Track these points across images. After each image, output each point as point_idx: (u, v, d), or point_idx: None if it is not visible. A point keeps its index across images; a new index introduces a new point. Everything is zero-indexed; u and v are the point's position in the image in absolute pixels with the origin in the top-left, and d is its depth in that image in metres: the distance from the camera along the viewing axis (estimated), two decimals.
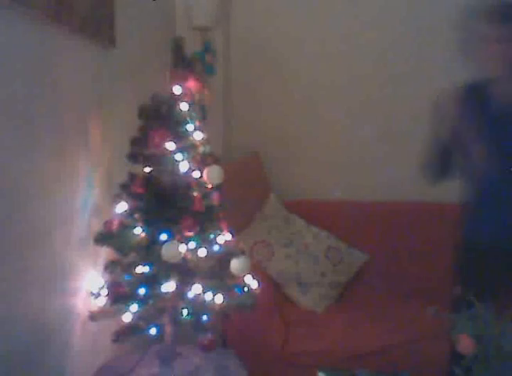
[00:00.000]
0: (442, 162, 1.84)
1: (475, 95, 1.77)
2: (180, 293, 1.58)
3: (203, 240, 1.62)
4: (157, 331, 1.63)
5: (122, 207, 1.62)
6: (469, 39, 1.67)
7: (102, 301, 1.59)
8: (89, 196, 1.67)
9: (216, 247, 1.66)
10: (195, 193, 1.62)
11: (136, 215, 1.60)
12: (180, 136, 1.62)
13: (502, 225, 1.75)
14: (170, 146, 1.58)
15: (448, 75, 2.75)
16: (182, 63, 1.67)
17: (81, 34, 1.60)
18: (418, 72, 2.80)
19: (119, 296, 1.56)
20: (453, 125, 1.75)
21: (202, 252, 1.61)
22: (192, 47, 2.35)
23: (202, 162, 1.65)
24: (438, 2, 2.77)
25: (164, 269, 1.56)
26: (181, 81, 1.65)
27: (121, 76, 1.95)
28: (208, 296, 1.59)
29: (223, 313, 1.68)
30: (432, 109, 1.79)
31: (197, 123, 1.67)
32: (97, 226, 1.64)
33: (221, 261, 1.66)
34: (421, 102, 2.79)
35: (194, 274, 1.61)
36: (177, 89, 1.64)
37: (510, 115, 1.71)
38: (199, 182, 1.64)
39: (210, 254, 1.63)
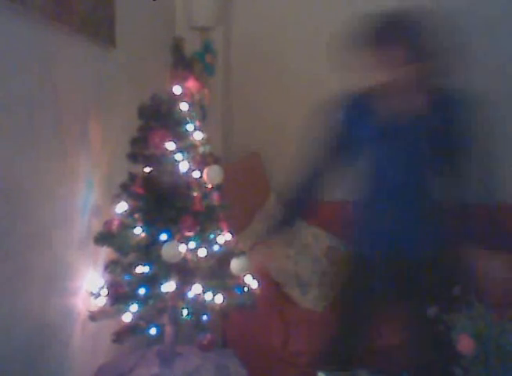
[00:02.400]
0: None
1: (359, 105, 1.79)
2: (180, 293, 1.58)
3: (203, 240, 1.62)
4: (157, 331, 1.63)
5: (122, 207, 1.61)
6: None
7: (102, 301, 1.59)
8: (89, 196, 1.67)
9: (216, 247, 1.66)
10: (195, 193, 1.62)
11: (136, 215, 1.60)
12: (180, 136, 1.62)
13: (379, 236, 1.78)
14: (170, 146, 1.58)
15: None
16: (182, 63, 1.66)
17: (81, 34, 1.60)
18: None
19: (119, 296, 1.56)
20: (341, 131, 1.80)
21: (202, 252, 1.61)
22: (192, 47, 2.36)
23: (202, 162, 1.65)
24: (436, 3, 2.77)
25: (164, 269, 1.56)
26: (181, 81, 1.65)
27: (121, 76, 1.95)
28: (208, 296, 1.59)
29: (223, 313, 1.68)
30: (316, 115, 1.82)
31: (197, 123, 1.67)
32: (97, 226, 1.65)
33: (221, 261, 1.66)
34: None
35: (194, 274, 1.61)
36: (177, 89, 1.64)
37: (390, 127, 1.72)
38: (199, 182, 1.64)
39: (210, 254, 1.63)
